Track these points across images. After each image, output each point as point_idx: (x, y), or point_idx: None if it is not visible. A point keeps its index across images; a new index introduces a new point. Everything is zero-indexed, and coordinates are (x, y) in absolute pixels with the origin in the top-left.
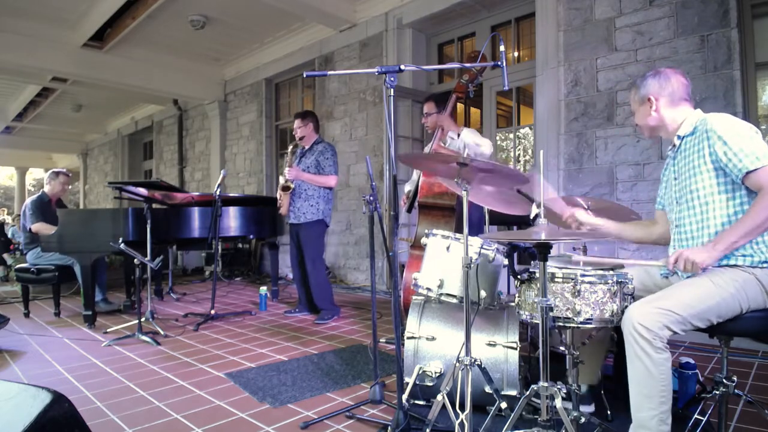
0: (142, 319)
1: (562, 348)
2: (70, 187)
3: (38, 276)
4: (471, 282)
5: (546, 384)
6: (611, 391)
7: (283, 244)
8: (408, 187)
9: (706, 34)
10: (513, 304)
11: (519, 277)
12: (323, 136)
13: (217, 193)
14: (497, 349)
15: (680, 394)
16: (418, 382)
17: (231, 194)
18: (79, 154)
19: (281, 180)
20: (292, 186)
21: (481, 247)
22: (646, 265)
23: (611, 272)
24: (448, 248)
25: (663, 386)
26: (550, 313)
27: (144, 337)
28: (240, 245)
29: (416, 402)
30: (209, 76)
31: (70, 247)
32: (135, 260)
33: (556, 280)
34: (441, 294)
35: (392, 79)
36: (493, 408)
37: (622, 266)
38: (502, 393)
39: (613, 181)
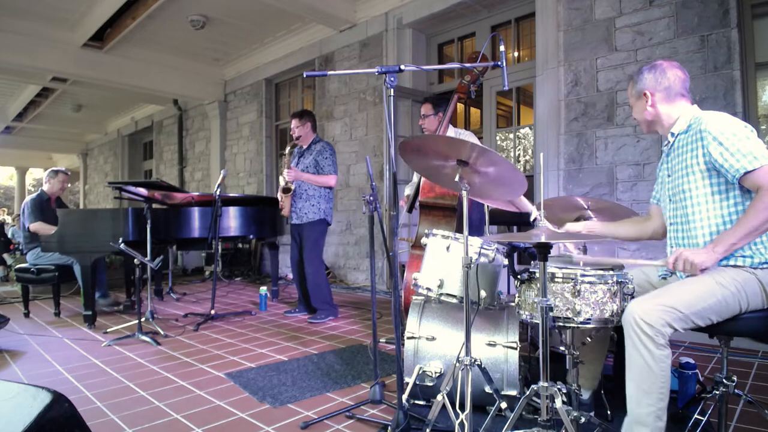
0: (142, 319)
1: (562, 348)
2: (69, 185)
3: (38, 276)
4: (471, 282)
5: (546, 384)
6: (611, 391)
7: (283, 244)
8: (408, 191)
9: (706, 34)
10: (513, 304)
11: (519, 277)
12: (323, 137)
13: (217, 193)
14: (497, 349)
15: (680, 394)
16: (418, 382)
17: (231, 194)
18: (79, 154)
19: (281, 182)
20: (293, 188)
21: (481, 247)
22: (645, 265)
23: (611, 272)
24: (448, 248)
25: (662, 383)
26: (550, 313)
27: (144, 337)
28: (240, 245)
29: (416, 402)
30: (209, 76)
31: (70, 247)
32: (135, 260)
33: (556, 280)
34: (441, 294)
35: (392, 79)
36: (493, 408)
37: (622, 266)
38: (502, 393)
39: (613, 181)
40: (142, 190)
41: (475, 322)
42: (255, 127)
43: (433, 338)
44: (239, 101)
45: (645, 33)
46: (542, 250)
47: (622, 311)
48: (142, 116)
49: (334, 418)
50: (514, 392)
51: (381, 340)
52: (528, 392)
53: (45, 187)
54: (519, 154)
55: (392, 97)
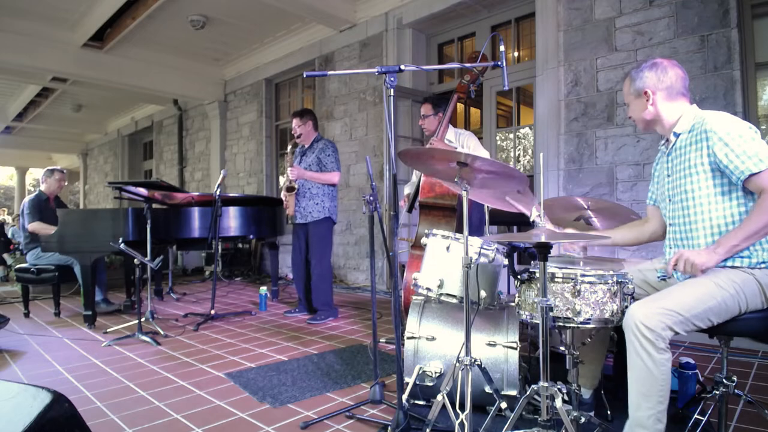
0: (142, 319)
1: (562, 348)
2: (68, 185)
3: (38, 276)
4: (471, 282)
5: (546, 384)
6: (611, 391)
7: (283, 244)
8: (407, 190)
9: (706, 34)
10: (513, 304)
11: (519, 277)
12: (323, 137)
13: (217, 193)
14: (497, 349)
15: (680, 394)
16: (418, 382)
17: (231, 194)
18: (79, 154)
19: (281, 181)
20: (296, 186)
21: (481, 247)
22: (645, 265)
23: (611, 272)
24: (448, 248)
25: (662, 386)
26: (550, 313)
27: (144, 337)
28: (240, 245)
29: (416, 402)
30: (209, 76)
31: (70, 247)
32: (135, 260)
33: (556, 280)
34: (441, 294)
35: (392, 79)
36: (493, 408)
37: (622, 266)
38: (502, 393)
39: (613, 181)
40: (142, 190)
41: (475, 322)
42: (255, 127)
43: (433, 338)
44: (239, 101)
45: (645, 33)
46: (542, 250)
47: (622, 311)
48: (142, 116)
49: (334, 418)
50: (514, 392)
51: (381, 340)
52: (528, 392)
53: (42, 187)
54: (519, 154)
55: (392, 97)
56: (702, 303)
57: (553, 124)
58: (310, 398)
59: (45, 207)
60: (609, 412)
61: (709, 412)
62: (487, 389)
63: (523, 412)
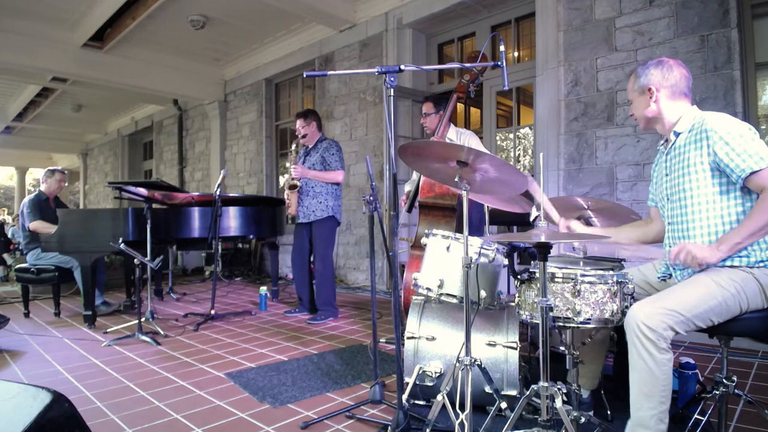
0: (142, 319)
1: (562, 348)
2: (68, 185)
3: (38, 276)
4: (471, 282)
5: (546, 384)
6: (611, 391)
7: (283, 244)
8: (408, 187)
9: (706, 34)
10: (513, 304)
11: (519, 277)
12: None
13: (217, 193)
14: (497, 349)
15: (680, 394)
16: (418, 382)
17: (231, 194)
18: (79, 154)
19: (282, 181)
20: (299, 184)
21: (481, 247)
22: (645, 265)
23: (611, 272)
24: (448, 248)
25: (664, 386)
26: (550, 313)
27: (144, 337)
28: (240, 245)
29: (416, 402)
30: (209, 76)
31: (70, 247)
32: (135, 260)
33: (556, 280)
34: (441, 294)
35: (392, 79)
36: (493, 408)
37: (622, 266)
38: (502, 393)
39: (613, 181)
40: (142, 190)
41: (475, 322)
42: (255, 127)
43: (433, 338)
44: (239, 101)
45: (645, 33)
46: (542, 250)
47: (622, 311)
48: (142, 116)
49: (334, 418)
50: (514, 392)
51: (381, 340)
52: (528, 392)
53: (42, 187)
54: (519, 154)
55: (392, 97)
56: (703, 303)
57: (553, 124)
58: (310, 398)
59: (45, 207)
60: (609, 412)
61: (709, 412)
62: (487, 389)
63: (523, 412)
